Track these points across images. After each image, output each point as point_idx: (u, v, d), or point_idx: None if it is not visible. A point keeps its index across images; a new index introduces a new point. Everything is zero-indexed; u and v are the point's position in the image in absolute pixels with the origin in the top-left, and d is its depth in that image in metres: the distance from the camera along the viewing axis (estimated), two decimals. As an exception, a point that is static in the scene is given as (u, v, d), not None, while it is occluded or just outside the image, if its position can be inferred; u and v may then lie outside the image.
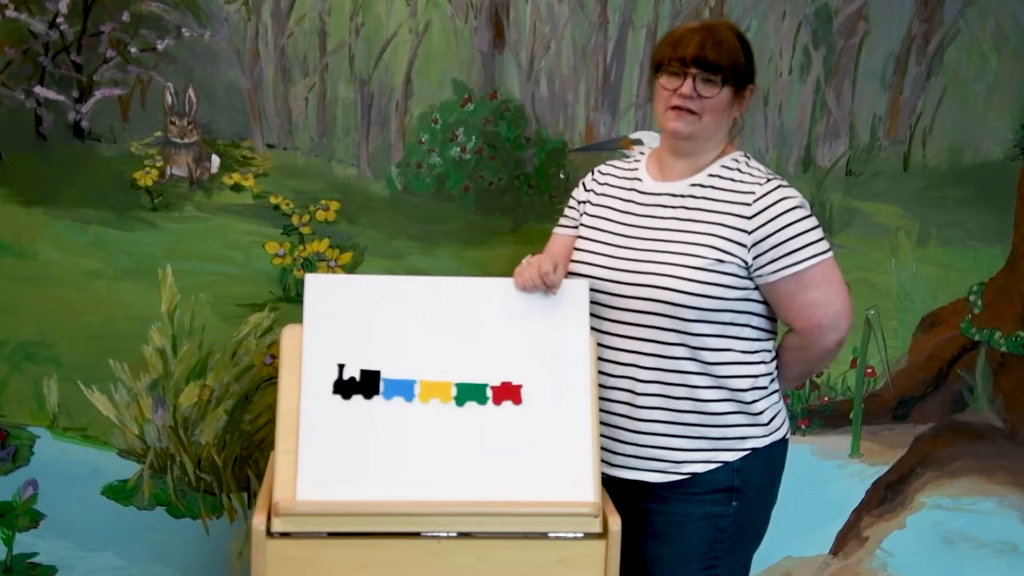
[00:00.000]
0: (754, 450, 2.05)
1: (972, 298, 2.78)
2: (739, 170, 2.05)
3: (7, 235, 2.45)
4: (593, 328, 2.07)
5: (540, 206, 2.60)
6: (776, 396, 2.11)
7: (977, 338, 2.80)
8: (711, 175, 2.05)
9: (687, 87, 1.98)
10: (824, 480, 2.79)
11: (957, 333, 2.79)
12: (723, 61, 1.96)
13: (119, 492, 2.57)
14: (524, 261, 2.09)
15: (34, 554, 2.56)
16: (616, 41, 2.57)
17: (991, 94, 2.70)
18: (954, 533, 2.84)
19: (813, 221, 2.00)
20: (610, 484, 2.07)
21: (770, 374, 2.09)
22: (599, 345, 2.06)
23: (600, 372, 2.05)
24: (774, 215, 1.97)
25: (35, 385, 2.50)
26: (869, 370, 2.77)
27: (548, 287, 2.04)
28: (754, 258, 1.98)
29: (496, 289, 2.09)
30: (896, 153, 2.70)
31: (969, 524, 2.84)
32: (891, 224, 2.72)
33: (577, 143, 2.61)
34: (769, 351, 2.10)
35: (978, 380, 2.82)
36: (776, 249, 1.97)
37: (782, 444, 2.12)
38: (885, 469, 2.82)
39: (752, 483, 2.07)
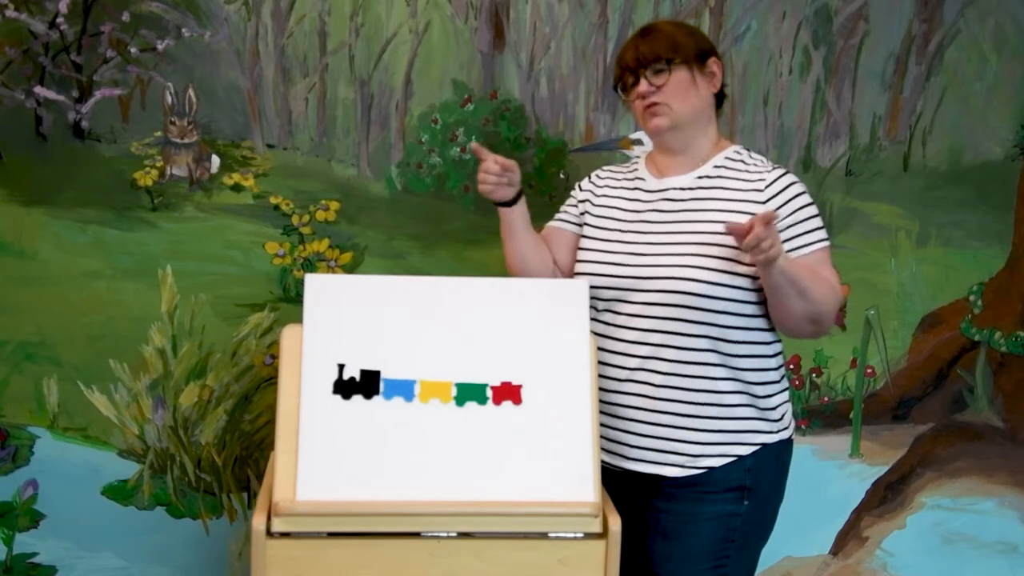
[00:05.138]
0: (764, 446, 2.06)
1: (972, 298, 2.78)
2: (743, 161, 2.08)
3: (7, 235, 2.45)
4: (608, 324, 2.08)
5: (540, 206, 2.58)
6: (786, 394, 2.12)
7: (977, 338, 2.80)
8: (716, 167, 2.07)
9: (643, 86, 2.06)
10: (824, 480, 2.79)
11: (957, 333, 2.79)
12: (659, 48, 2.04)
13: (119, 492, 2.57)
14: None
15: (34, 554, 2.56)
16: (616, 41, 2.57)
17: (991, 94, 2.70)
18: (954, 533, 2.84)
19: (816, 208, 2.06)
20: (620, 479, 2.08)
21: (781, 367, 2.11)
22: (614, 340, 2.07)
23: (616, 366, 2.06)
24: (787, 198, 2.01)
25: (35, 385, 2.50)
26: (869, 370, 2.77)
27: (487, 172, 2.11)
28: None
29: (496, 289, 2.09)
30: (896, 153, 2.70)
31: (969, 524, 2.84)
32: (891, 224, 2.72)
33: (577, 143, 2.61)
34: (780, 341, 2.11)
35: (978, 380, 2.82)
36: (790, 229, 2.01)
37: (789, 442, 2.13)
38: (885, 469, 2.82)
39: (763, 481, 2.07)
